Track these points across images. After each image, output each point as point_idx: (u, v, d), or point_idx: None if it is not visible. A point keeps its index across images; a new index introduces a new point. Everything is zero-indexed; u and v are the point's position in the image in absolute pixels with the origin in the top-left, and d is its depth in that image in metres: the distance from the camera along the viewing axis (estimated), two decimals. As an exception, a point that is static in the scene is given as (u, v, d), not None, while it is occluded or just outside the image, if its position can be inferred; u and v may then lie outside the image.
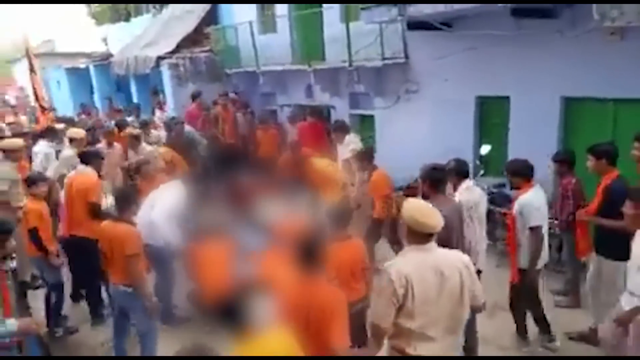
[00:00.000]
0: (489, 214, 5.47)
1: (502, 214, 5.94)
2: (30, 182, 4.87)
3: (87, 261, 4.95)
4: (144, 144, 7.46)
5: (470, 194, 4.10)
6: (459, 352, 3.00)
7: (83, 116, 12.25)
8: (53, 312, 5.12)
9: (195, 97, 10.30)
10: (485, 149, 6.76)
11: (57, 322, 5.16)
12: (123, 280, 3.97)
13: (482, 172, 6.73)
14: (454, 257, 2.72)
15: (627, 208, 3.30)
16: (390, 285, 2.55)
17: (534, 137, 6.35)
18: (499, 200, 6.17)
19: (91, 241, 4.91)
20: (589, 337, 4.41)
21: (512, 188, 4.42)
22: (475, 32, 6.52)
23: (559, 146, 6.16)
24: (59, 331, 5.14)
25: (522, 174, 4.17)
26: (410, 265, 2.60)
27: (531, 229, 4.05)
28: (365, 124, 9.42)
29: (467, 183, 4.16)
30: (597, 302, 4.28)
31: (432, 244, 2.67)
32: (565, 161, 4.85)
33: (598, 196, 4.17)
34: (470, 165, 7.00)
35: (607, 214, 3.98)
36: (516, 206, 4.13)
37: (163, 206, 4.76)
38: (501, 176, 6.79)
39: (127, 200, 4.08)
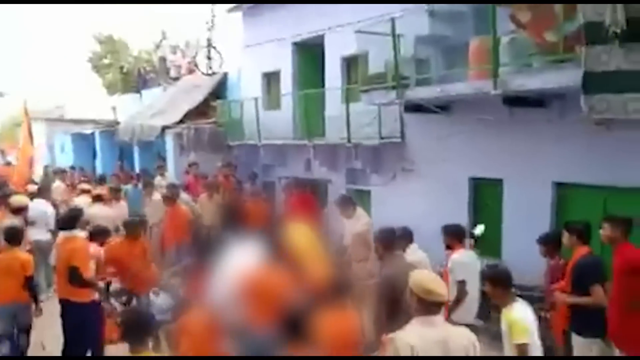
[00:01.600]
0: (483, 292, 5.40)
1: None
2: (16, 235, 5.08)
3: (70, 324, 4.97)
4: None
5: (417, 254, 4.92)
6: None
7: (82, 179, 12.43)
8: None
9: (190, 167, 10.53)
10: (479, 229, 6.79)
11: None
12: None
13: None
14: (462, 334, 2.68)
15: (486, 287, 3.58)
16: (395, 353, 2.51)
17: (527, 220, 6.43)
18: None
19: (73, 305, 4.91)
20: None
21: (446, 247, 5.07)
22: (469, 116, 6.85)
23: (551, 229, 6.23)
24: None
25: (455, 235, 4.95)
26: (416, 337, 2.56)
27: (458, 282, 4.68)
28: (361, 199, 9.53)
29: (414, 246, 5.09)
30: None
31: (440, 318, 2.65)
32: (548, 243, 4.88)
33: (567, 273, 4.24)
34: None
35: (577, 290, 4.07)
36: (449, 263, 4.81)
37: None
38: (496, 256, 6.80)
39: None
